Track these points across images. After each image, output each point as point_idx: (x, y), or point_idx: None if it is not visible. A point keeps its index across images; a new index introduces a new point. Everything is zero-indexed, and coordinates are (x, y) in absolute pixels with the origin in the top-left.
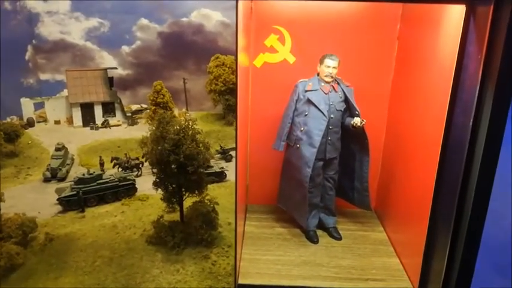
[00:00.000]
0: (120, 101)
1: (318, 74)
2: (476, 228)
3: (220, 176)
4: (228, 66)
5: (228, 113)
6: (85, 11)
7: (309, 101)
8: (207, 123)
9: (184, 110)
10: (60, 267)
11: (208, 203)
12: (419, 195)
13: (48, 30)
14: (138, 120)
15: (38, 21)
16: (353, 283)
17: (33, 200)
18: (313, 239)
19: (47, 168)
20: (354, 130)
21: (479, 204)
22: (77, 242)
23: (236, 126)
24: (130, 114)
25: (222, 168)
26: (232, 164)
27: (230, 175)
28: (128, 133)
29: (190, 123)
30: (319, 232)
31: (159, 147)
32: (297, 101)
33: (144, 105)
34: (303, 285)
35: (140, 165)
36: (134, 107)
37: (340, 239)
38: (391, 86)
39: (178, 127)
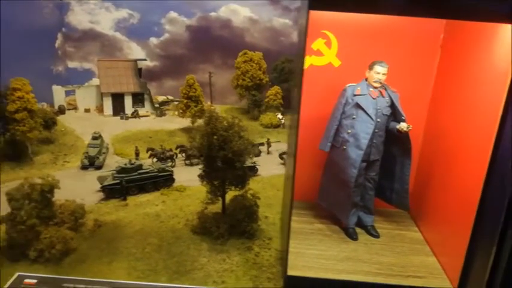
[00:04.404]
0: (149, 92)
1: (367, 79)
2: None
3: (251, 171)
4: (255, 62)
5: (253, 108)
6: (115, 1)
7: (358, 105)
8: None
9: (208, 103)
10: (111, 252)
11: (251, 197)
12: (462, 200)
13: (78, 19)
14: (166, 112)
15: (68, 9)
16: (395, 279)
17: (73, 186)
18: (352, 236)
19: (85, 156)
20: (399, 134)
21: None
22: (124, 229)
23: (297, 125)
24: (158, 105)
25: (254, 163)
26: (261, 158)
27: (261, 170)
28: (157, 124)
29: (236, 121)
30: (357, 229)
31: (208, 142)
32: (345, 104)
33: (170, 97)
34: (348, 279)
35: (174, 157)
36: (160, 98)
37: (378, 236)
38: (431, 92)
39: (226, 124)
